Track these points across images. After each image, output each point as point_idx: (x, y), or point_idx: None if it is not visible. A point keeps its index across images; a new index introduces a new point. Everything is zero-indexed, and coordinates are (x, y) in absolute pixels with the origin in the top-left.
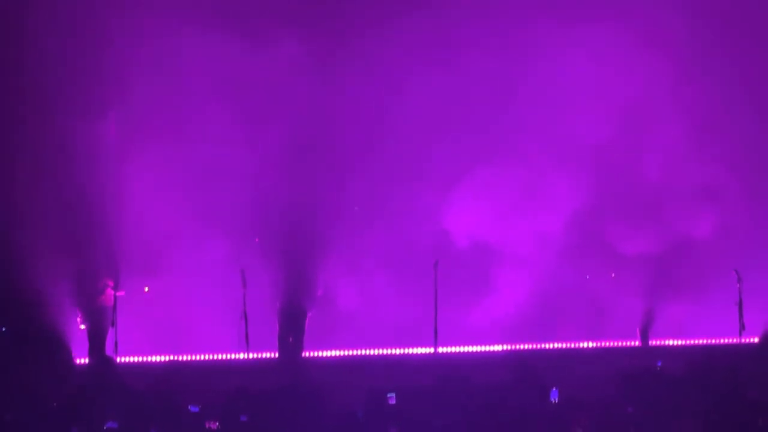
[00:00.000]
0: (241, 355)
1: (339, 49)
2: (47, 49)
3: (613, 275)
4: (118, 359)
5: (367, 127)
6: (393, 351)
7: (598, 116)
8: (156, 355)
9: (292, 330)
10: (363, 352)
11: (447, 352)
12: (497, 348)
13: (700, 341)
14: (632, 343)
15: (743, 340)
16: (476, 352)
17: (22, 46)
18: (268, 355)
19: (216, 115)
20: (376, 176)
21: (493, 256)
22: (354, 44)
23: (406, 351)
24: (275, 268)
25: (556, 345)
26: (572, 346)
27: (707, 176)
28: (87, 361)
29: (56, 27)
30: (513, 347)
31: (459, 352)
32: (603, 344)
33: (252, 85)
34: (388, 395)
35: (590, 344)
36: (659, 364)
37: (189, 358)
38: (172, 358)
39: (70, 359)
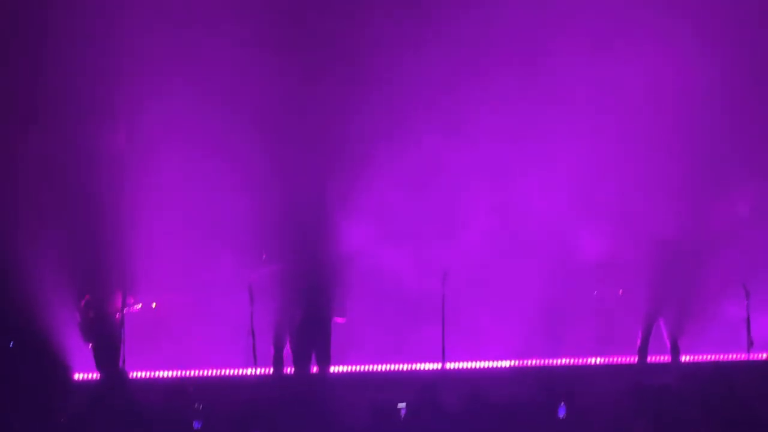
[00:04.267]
0: (249, 371)
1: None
2: (63, 55)
3: (621, 292)
4: (131, 374)
5: (375, 135)
6: (400, 367)
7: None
8: (163, 371)
9: (314, 344)
10: (369, 367)
11: (455, 368)
12: (506, 364)
13: (708, 357)
14: (641, 360)
15: (751, 357)
16: (484, 368)
17: (36, 50)
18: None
19: (226, 127)
20: (384, 183)
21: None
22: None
23: (414, 367)
24: (288, 281)
25: (564, 361)
26: (580, 362)
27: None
28: (96, 376)
29: (71, 32)
30: (521, 363)
31: (467, 368)
32: (612, 360)
33: (263, 97)
34: (399, 406)
35: (598, 360)
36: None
37: (197, 373)
38: (179, 373)
39: (70, 375)
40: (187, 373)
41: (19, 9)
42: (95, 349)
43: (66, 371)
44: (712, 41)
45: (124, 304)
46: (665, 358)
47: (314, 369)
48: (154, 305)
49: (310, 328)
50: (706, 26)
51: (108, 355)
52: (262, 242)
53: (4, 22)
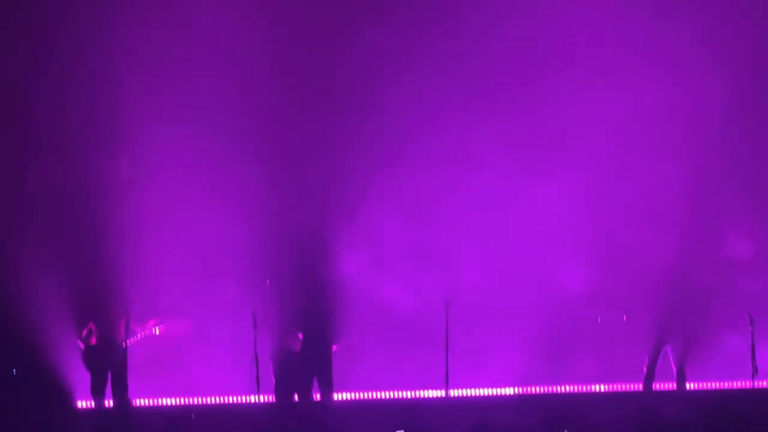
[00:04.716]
0: (252, 398)
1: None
2: (66, 82)
3: (624, 318)
4: (134, 402)
5: (374, 163)
6: (404, 394)
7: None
8: (166, 398)
9: (314, 371)
10: (372, 394)
11: (459, 396)
12: (509, 391)
13: (714, 385)
14: (647, 387)
15: (756, 384)
16: (487, 395)
17: (40, 76)
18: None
19: (227, 156)
20: (383, 211)
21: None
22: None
23: (418, 394)
24: (289, 308)
25: (568, 388)
26: (585, 389)
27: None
28: (100, 404)
29: (75, 57)
30: (525, 390)
31: (471, 395)
32: (617, 387)
33: (263, 126)
34: None
35: (603, 387)
36: None
37: (200, 401)
38: (182, 401)
39: (74, 403)
40: (190, 400)
41: (23, 34)
42: (97, 378)
43: (69, 399)
44: (711, 68)
45: (128, 332)
46: (671, 386)
47: (315, 396)
48: (157, 332)
49: (309, 356)
50: (709, 55)
51: (112, 383)
52: (263, 269)
53: (8, 47)
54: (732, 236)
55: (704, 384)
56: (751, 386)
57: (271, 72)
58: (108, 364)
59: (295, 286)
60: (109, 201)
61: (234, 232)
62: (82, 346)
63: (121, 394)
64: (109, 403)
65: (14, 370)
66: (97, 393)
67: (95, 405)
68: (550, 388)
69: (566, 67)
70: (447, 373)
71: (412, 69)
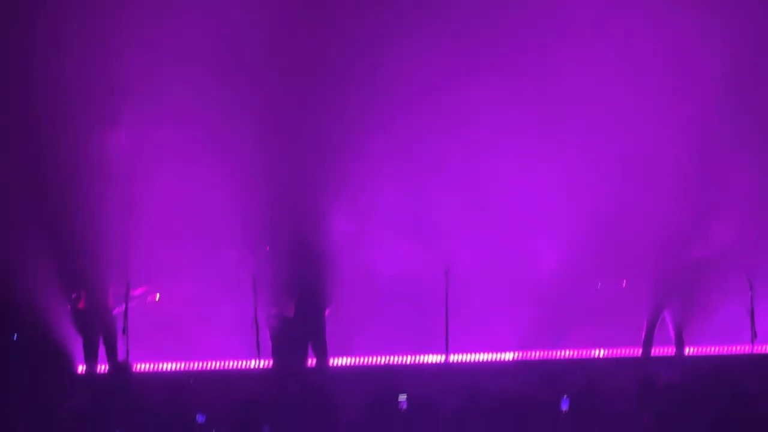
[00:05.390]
0: (252, 363)
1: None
2: (59, 55)
3: (624, 283)
4: (134, 367)
5: (373, 129)
6: (404, 359)
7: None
8: (166, 363)
9: (308, 336)
10: (372, 359)
11: (458, 361)
12: (508, 356)
13: (711, 349)
14: (645, 352)
15: (755, 349)
16: (487, 360)
17: (31, 56)
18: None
19: (224, 123)
20: (383, 178)
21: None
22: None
23: (417, 359)
24: (285, 273)
25: (567, 353)
26: (584, 354)
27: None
28: (93, 369)
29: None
30: (524, 355)
31: (470, 361)
32: (615, 353)
33: (258, 94)
34: (400, 399)
35: (602, 352)
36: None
37: (199, 366)
38: (182, 366)
39: (74, 368)
40: (189, 366)
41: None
42: (88, 342)
43: (70, 364)
44: (709, 37)
45: (126, 298)
46: (669, 351)
47: (312, 361)
48: (157, 297)
49: (307, 322)
50: (705, 25)
51: (104, 348)
52: (262, 235)
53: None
54: (731, 202)
55: (703, 349)
56: (750, 351)
57: (265, 40)
58: (98, 329)
59: (293, 253)
60: (105, 169)
61: (233, 199)
62: (72, 311)
63: (113, 359)
64: (103, 368)
65: (15, 336)
66: (89, 357)
67: (87, 369)
68: (549, 354)
69: (567, 42)
70: (447, 338)
71: (412, 39)
